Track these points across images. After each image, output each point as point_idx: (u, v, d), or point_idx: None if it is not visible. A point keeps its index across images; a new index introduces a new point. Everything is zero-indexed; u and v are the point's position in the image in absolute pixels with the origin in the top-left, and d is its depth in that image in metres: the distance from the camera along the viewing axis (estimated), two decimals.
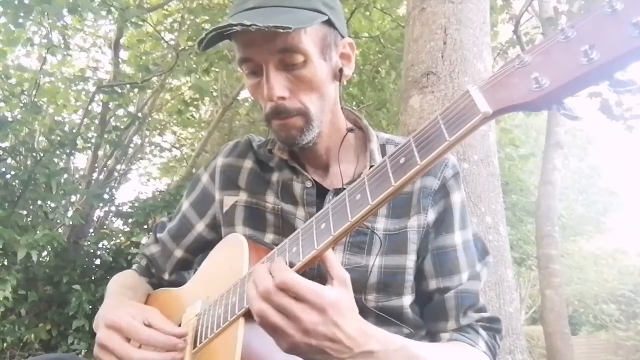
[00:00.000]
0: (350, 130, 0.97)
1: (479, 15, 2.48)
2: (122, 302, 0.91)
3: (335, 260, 0.68)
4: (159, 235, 1.12)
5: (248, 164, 1.03)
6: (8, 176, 4.34)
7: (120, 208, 5.73)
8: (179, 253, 1.08)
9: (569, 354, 5.85)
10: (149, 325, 0.80)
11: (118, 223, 5.88)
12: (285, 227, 0.95)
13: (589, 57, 0.47)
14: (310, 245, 0.67)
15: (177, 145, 9.14)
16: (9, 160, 4.62)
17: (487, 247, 1.00)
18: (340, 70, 0.91)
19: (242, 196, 1.00)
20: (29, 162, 4.87)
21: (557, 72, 0.49)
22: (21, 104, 4.84)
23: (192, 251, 1.08)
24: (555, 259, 6.14)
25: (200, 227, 1.06)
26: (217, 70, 6.10)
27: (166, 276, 1.10)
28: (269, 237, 0.96)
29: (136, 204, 5.45)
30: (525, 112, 0.56)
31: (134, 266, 1.15)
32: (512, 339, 2.04)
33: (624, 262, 16.46)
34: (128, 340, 0.78)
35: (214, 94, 7.12)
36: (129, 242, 4.96)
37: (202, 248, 1.08)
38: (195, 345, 0.80)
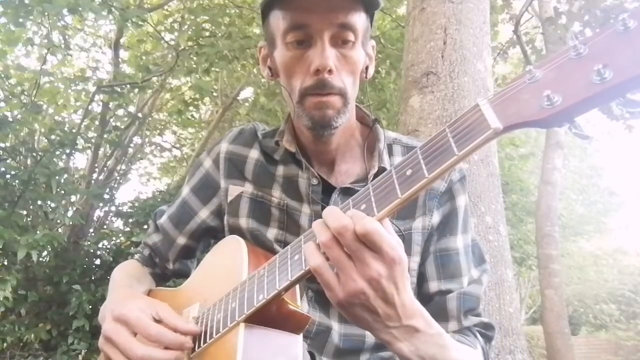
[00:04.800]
0: (375, 121, 0.98)
1: (479, 15, 2.48)
2: (131, 295, 0.89)
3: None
4: (159, 222, 1.10)
5: (254, 154, 1.01)
6: (8, 176, 4.34)
7: (120, 208, 5.72)
8: (182, 240, 1.06)
9: (569, 354, 5.85)
10: (159, 320, 0.77)
11: (118, 223, 5.89)
12: (289, 222, 0.95)
13: (602, 76, 0.46)
14: None
15: (177, 145, 9.15)
16: (9, 160, 4.61)
17: (484, 254, 0.99)
18: (366, 68, 0.93)
19: (248, 187, 0.99)
20: (29, 162, 4.87)
21: (570, 90, 0.49)
22: (21, 104, 4.84)
23: (195, 238, 1.07)
24: (555, 259, 6.15)
25: (203, 214, 1.04)
26: (217, 70, 6.10)
27: (170, 265, 1.08)
28: (273, 231, 0.95)
29: (136, 204, 5.44)
30: (536, 128, 0.55)
31: (137, 256, 1.13)
32: (512, 339, 2.04)
33: (624, 262, 16.48)
34: (134, 334, 0.75)
35: (214, 94, 7.12)
36: (129, 242, 4.96)
37: (205, 234, 1.07)
38: (193, 350, 0.79)
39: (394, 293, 0.61)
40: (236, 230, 0.98)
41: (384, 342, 0.66)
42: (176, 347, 0.75)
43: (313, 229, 0.64)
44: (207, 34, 5.66)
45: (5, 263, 4.17)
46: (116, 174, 6.72)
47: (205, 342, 0.77)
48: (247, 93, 7.99)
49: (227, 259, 0.87)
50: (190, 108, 7.03)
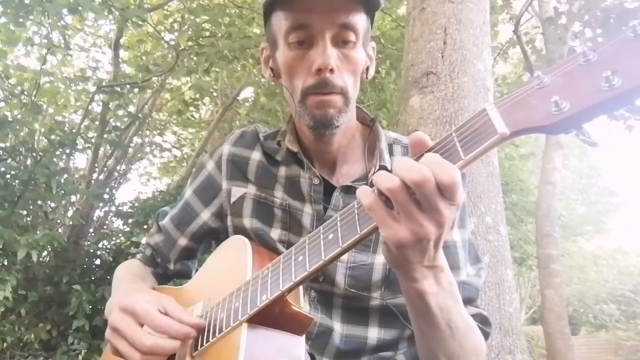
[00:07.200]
0: (372, 120, 0.98)
1: (479, 15, 2.48)
2: (137, 289, 0.90)
3: None
4: (161, 223, 1.11)
5: (256, 155, 1.02)
6: (8, 176, 4.34)
7: (120, 208, 5.73)
8: (183, 241, 1.07)
9: (569, 354, 5.86)
10: (164, 313, 0.78)
11: (118, 223, 5.89)
12: (292, 223, 0.95)
13: (611, 83, 0.46)
14: (317, 256, 0.66)
15: (177, 145, 9.15)
16: (9, 160, 4.61)
17: (479, 255, 0.98)
18: (367, 69, 0.94)
19: (251, 189, 1.00)
20: (29, 162, 4.87)
21: (578, 96, 0.49)
22: (21, 104, 4.84)
23: (196, 239, 1.08)
24: (555, 259, 6.15)
25: (205, 215, 1.05)
26: (217, 70, 6.10)
27: (171, 265, 1.09)
28: (276, 232, 0.96)
29: (136, 204, 5.45)
30: (543, 134, 0.55)
31: (138, 256, 1.14)
32: (512, 339, 2.04)
33: (624, 262, 16.50)
34: (141, 325, 0.76)
35: (214, 94, 7.13)
36: (129, 242, 4.96)
37: (206, 236, 1.08)
38: (196, 348, 0.79)
39: (443, 236, 0.61)
40: (241, 230, 0.98)
41: (410, 279, 0.64)
42: (182, 338, 0.75)
43: (373, 178, 0.59)
44: (207, 34, 5.66)
45: (5, 263, 4.16)
46: (116, 174, 6.71)
47: (207, 341, 0.77)
48: (247, 93, 8.00)
49: (232, 259, 0.87)
50: (190, 108, 7.03)
